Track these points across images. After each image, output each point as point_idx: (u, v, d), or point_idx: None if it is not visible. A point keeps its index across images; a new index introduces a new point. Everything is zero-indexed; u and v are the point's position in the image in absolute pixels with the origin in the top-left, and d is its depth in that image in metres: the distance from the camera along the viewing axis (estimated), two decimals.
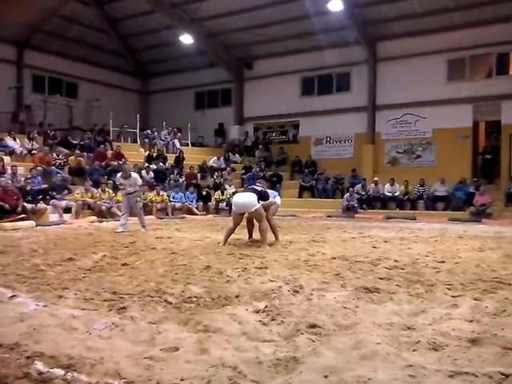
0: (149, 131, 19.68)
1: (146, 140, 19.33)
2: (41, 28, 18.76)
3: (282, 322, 3.20)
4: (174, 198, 15.23)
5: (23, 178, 12.65)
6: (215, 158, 18.82)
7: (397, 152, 18.24)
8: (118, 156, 16.48)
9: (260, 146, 20.61)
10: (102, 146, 16.93)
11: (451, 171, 15.65)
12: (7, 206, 11.10)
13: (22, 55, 18.94)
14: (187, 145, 20.53)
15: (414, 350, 2.67)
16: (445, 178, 15.60)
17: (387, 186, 16.29)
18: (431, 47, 16.86)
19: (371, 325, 3.10)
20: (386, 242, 8.03)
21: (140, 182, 10.36)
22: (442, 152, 17.06)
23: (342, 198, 16.21)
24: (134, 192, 9.95)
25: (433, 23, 16.64)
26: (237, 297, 3.88)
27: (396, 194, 16.03)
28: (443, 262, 5.78)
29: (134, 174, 10.19)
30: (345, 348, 2.69)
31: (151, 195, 14.70)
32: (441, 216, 14.26)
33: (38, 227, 10.26)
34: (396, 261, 5.74)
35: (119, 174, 10.16)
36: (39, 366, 2.37)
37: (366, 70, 18.36)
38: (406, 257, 6.13)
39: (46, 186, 12.99)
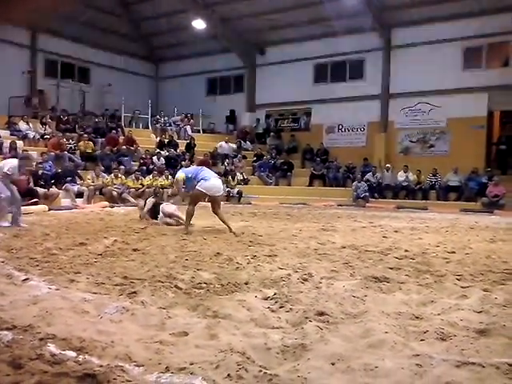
0: (158, 116, 19.67)
1: (158, 126, 19.36)
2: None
3: (290, 309, 3.22)
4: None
5: (35, 163, 12.72)
6: (223, 142, 18.77)
7: (410, 141, 18.07)
8: (130, 141, 16.54)
9: (271, 134, 20.54)
10: (114, 131, 16.98)
11: (465, 161, 15.49)
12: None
13: (36, 39, 18.97)
14: (198, 131, 20.53)
15: (421, 340, 2.68)
16: (458, 167, 15.47)
17: (400, 173, 16.21)
18: (447, 35, 16.58)
19: (379, 314, 3.11)
20: (396, 231, 8.02)
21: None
22: (456, 141, 16.87)
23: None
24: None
25: (450, 10, 16.32)
26: (246, 284, 3.91)
27: (409, 182, 15.93)
28: (453, 252, 5.77)
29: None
30: (352, 336, 2.71)
31: (160, 180, 14.76)
32: (453, 206, 14.12)
33: (51, 211, 10.39)
34: (406, 251, 5.74)
35: None
36: (52, 347, 2.42)
37: (380, 58, 18.14)
38: (417, 247, 6.13)
39: (58, 170, 13.09)
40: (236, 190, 15.65)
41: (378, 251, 5.68)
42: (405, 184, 15.95)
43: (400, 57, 17.76)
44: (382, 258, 5.26)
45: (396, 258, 5.26)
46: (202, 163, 16.81)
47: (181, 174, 7.56)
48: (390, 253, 5.58)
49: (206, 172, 7.51)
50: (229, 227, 7.27)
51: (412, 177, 16.05)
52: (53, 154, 13.77)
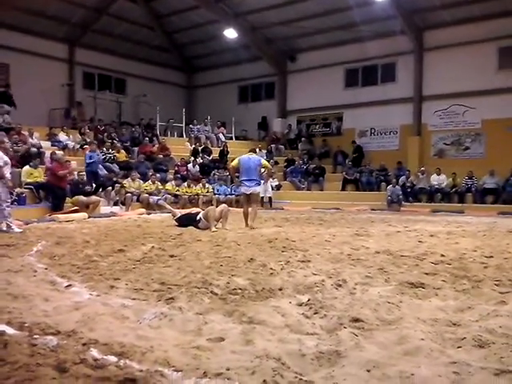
0: (191, 125, 19.97)
1: (191, 134, 19.64)
2: (91, 26, 19.38)
3: (324, 315, 3.22)
4: (218, 191, 15.44)
5: (76, 172, 13.10)
6: (256, 149, 18.83)
7: (444, 144, 17.77)
8: (164, 149, 16.85)
9: (303, 139, 20.54)
10: (147, 139, 17.32)
11: (501, 163, 15.10)
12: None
13: (74, 53, 19.62)
14: (231, 138, 20.72)
15: (458, 347, 2.64)
16: (494, 170, 15.10)
17: (433, 176, 15.96)
18: (482, 35, 16.24)
19: (415, 320, 3.09)
20: (432, 236, 7.88)
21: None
22: (492, 143, 16.47)
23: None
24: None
25: (483, 10, 16.02)
26: (280, 289, 3.92)
27: (443, 185, 15.66)
28: (491, 257, 5.64)
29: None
30: (388, 343, 2.69)
31: (197, 188, 15.00)
32: (490, 209, 13.82)
33: (90, 219, 10.68)
34: (442, 255, 5.63)
35: None
36: (94, 352, 2.50)
37: (412, 60, 17.93)
38: (453, 251, 6.01)
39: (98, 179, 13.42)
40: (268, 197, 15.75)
41: (414, 256, 5.60)
42: (439, 187, 15.67)
43: (433, 59, 17.52)
44: (418, 263, 5.18)
45: (432, 263, 5.17)
46: None
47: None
48: (426, 258, 5.49)
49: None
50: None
51: (447, 180, 15.75)
52: None
